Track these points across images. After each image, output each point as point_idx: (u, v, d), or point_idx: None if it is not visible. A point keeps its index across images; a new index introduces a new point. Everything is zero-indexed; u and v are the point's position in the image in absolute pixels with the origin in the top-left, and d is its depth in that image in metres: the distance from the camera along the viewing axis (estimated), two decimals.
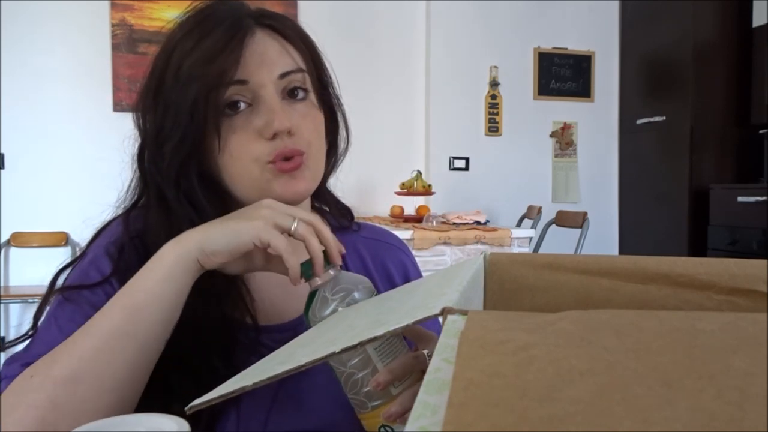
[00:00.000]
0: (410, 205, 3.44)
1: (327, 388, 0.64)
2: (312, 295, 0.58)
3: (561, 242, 3.27)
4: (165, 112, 0.63)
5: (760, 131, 3.34)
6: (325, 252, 0.58)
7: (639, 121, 3.91)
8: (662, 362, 0.23)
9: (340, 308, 0.55)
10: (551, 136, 4.02)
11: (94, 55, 3.31)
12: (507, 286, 0.49)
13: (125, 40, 3.33)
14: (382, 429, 0.53)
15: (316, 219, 0.58)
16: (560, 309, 0.29)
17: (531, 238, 2.88)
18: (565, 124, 4.03)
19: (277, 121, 0.62)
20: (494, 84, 3.87)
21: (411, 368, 0.53)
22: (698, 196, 3.50)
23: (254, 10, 0.67)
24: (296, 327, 0.69)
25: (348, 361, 0.54)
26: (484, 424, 0.19)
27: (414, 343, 0.58)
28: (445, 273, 0.51)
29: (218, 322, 0.62)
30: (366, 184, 3.67)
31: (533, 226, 3.27)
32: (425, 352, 0.54)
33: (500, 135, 3.90)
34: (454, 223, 2.90)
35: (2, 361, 0.63)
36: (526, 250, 2.82)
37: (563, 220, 3.15)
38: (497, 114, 3.89)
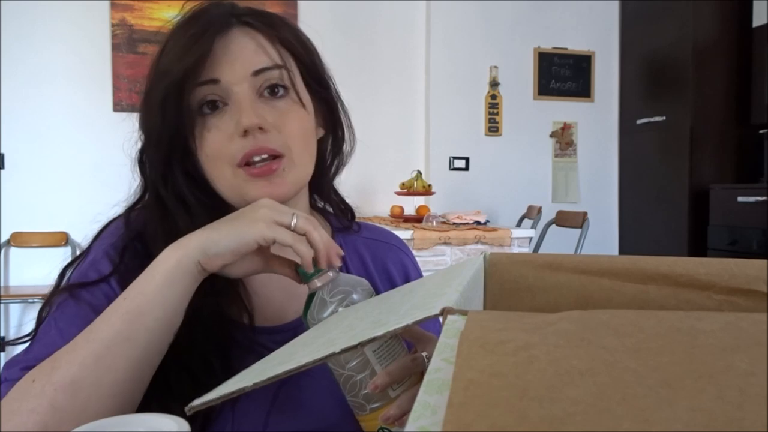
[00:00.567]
0: (410, 205, 3.44)
1: (328, 389, 0.64)
2: (310, 298, 0.58)
3: (561, 242, 3.27)
4: (148, 111, 0.64)
5: (760, 131, 3.34)
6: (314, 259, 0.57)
7: (639, 121, 3.91)
8: (662, 362, 0.23)
9: (338, 310, 0.55)
10: (551, 136, 4.02)
11: (94, 55, 3.31)
12: (507, 286, 0.49)
13: (125, 40, 3.33)
14: (381, 431, 0.53)
15: (313, 220, 0.58)
16: (560, 309, 0.29)
17: (531, 238, 2.88)
18: (565, 124, 4.03)
19: (245, 118, 0.61)
20: (494, 84, 3.87)
21: (409, 371, 0.53)
22: (698, 196, 3.50)
23: (240, 9, 0.66)
24: (296, 328, 0.69)
25: (346, 363, 0.54)
26: (484, 424, 0.19)
27: (413, 344, 0.58)
28: (445, 273, 0.51)
29: (216, 322, 0.62)
30: (366, 184, 3.67)
31: (533, 226, 3.27)
32: (424, 354, 0.54)
33: (500, 135, 3.90)
34: (454, 223, 2.90)
35: (2, 362, 0.63)
36: (526, 250, 2.82)
37: (563, 220, 3.15)
38: (497, 114, 3.89)
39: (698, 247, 3.49)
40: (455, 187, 3.79)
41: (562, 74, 4.00)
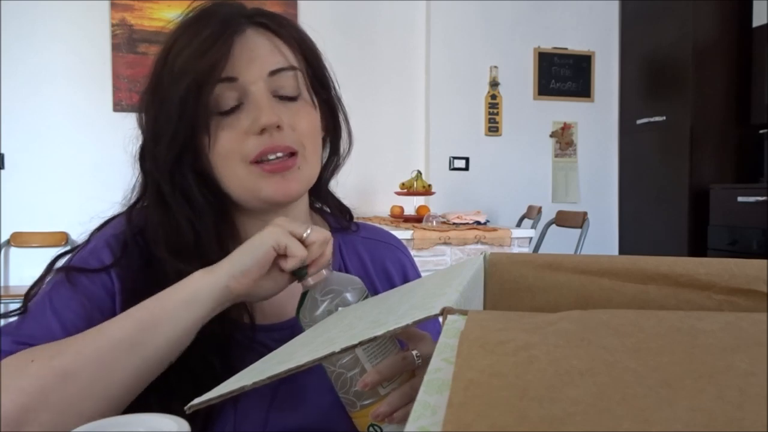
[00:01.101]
0: (410, 205, 3.44)
1: (328, 385, 0.65)
2: (304, 296, 0.58)
3: (561, 242, 3.27)
4: (160, 109, 0.64)
5: (760, 131, 3.35)
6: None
7: (639, 121, 3.91)
8: (662, 362, 0.23)
9: (330, 309, 0.56)
10: (551, 136, 4.02)
11: (94, 55, 3.31)
12: (507, 286, 0.49)
13: (125, 40, 3.33)
14: (371, 428, 0.53)
15: (326, 234, 0.59)
16: (560, 309, 0.29)
17: (531, 238, 2.88)
18: (565, 124, 4.03)
19: (264, 116, 0.62)
20: (494, 84, 3.87)
21: (400, 369, 0.53)
22: (698, 196, 3.50)
23: (250, 10, 0.67)
24: (294, 326, 0.70)
25: (337, 360, 0.54)
26: (484, 424, 0.19)
27: (405, 342, 0.58)
28: (445, 273, 0.51)
29: (216, 321, 0.62)
30: (366, 184, 3.67)
31: (533, 226, 3.27)
32: (414, 352, 0.54)
33: (500, 135, 3.90)
34: (454, 223, 2.90)
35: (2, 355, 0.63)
36: (526, 250, 2.82)
37: (563, 220, 3.15)
38: (497, 114, 3.89)
39: (698, 247, 3.49)
40: (455, 187, 3.79)
41: (562, 74, 4.00)
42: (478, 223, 2.91)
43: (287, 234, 0.57)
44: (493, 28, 3.86)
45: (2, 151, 3.20)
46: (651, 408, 0.19)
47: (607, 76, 4.09)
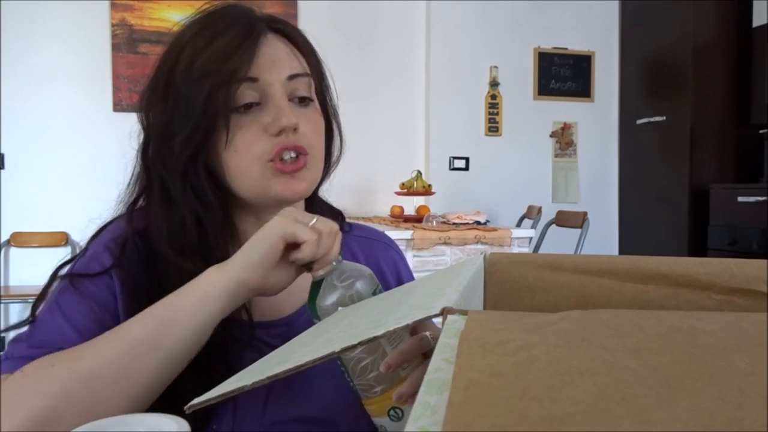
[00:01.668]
0: (410, 205, 3.44)
1: (326, 376, 0.65)
2: (316, 285, 0.58)
3: (561, 242, 3.27)
4: (175, 106, 0.64)
5: (760, 131, 3.35)
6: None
7: (639, 121, 3.91)
8: (662, 362, 0.23)
9: (350, 295, 0.57)
10: (551, 136, 4.02)
11: (94, 55, 3.31)
12: (507, 286, 0.49)
13: (125, 40, 3.33)
14: (392, 411, 0.54)
15: (332, 223, 0.59)
16: (560, 309, 0.29)
17: (531, 238, 2.88)
18: (565, 124, 4.03)
19: (285, 118, 0.64)
20: (494, 84, 3.87)
21: (418, 350, 0.54)
22: (698, 196, 3.50)
23: (266, 16, 0.69)
24: (292, 322, 0.71)
25: (357, 349, 0.54)
26: (484, 424, 0.19)
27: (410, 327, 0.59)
28: (445, 273, 0.51)
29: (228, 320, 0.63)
30: (366, 184, 3.67)
31: (533, 226, 3.27)
32: (427, 334, 0.55)
33: (500, 135, 3.90)
34: (454, 223, 2.90)
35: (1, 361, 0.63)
36: (526, 250, 2.82)
37: (563, 220, 3.15)
38: (497, 114, 3.89)
39: (698, 247, 3.49)
40: (455, 187, 3.79)
41: (562, 74, 4.00)
42: (478, 223, 2.91)
43: (294, 222, 0.57)
44: (493, 28, 3.86)
45: (2, 151, 3.20)
46: (651, 408, 0.19)
47: (607, 76, 4.09)
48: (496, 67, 3.87)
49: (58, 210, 3.22)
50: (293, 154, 0.66)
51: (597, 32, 4.06)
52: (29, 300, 3.00)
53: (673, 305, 0.44)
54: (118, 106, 3.31)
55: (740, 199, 3.21)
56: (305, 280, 0.61)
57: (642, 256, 0.47)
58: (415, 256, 2.56)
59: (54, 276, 0.65)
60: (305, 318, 0.72)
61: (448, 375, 0.23)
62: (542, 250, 3.34)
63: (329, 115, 0.76)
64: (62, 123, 3.27)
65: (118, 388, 0.53)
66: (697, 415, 0.19)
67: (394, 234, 2.55)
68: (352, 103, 3.71)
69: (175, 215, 0.65)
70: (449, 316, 0.31)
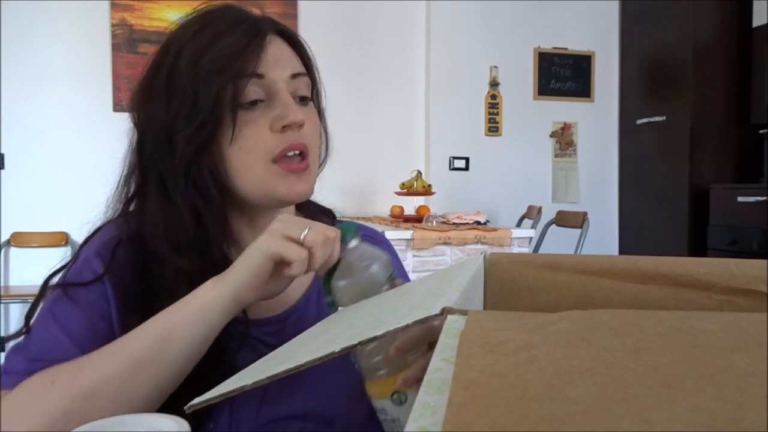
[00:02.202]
0: (410, 205, 3.44)
1: (318, 372, 0.65)
2: (332, 269, 0.59)
3: (561, 242, 3.27)
4: (181, 102, 0.64)
5: (760, 131, 3.34)
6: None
7: (639, 121, 3.91)
8: (662, 362, 0.23)
9: (362, 276, 0.57)
10: (551, 136, 4.01)
11: (94, 55, 3.31)
12: (507, 286, 0.49)
13: (125, 40, 3.33)
14: (395, 395, 0.54)
15: (328, 230, 0.58)
16: (560, 309, 0.29)
17: (531, 238, 2.88)
18: (565, 124, 4.03)
19: (293, 114, 0.64)
20: (494, 84, 3.87)
21: (426, 338, 0.54)
22: (698, 196, 3.50)
23: (266, 17, 0.70)
24: (286, 319, 0.71)
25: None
26: (484, 424, 0.19)
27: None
28: (445, 273, 0.51)
29: None
30: (366, 184, 3.67)
31: (533, 226, 3.26)
32: (436, 323, 0.55)
33: (500, 135, 3.90)
34: (454, 223, 2.90)
35: (1, 361, 0.63)
36: (526, 250, 2.82)
37: (563, 220, 3.15)
38: (497, 114, 3.89)
39: (698, 247, 3.49)
40: (455, 187, 3.79)
41: (562, 74, 4.00)
42: (478, 223, 2.91)
43: (281, 240, 0.56)
44: (493, 28, 3.86)
45: (2, 151, 3.20)
46: (651, 408, 0.19)
47: (607, 76, 4.09)
48: (496, 67, 3.87)
49: (58, 210, 3.21)
50: (297, 152, 0.66)
51: (597, 32, 4.06)
52: (29, 300, 2.99)
53: (673, 305, 0.44)
54: (118, 106, 3.31)
55: (740, 199, 3.21)
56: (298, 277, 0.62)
57: (642, 256, 0.47)
58: (415, 256, 2.55)
59: (45, 285, 0.65)
60: (299, 314, 0.72)
61: (448, 375, 0.23)
62: (542, 250, 3.34)
63: (321, 118, 0.77)
64: (62, 123, 3.27)
65: (118, 404, 0.54)
66: (697, 415, 0.19)
67: (394, 234, 2.55)
68: (352, 103, 3.71)
69: (173, 213, 0.65)
70: (449, 316, 0.31)
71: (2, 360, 0.62)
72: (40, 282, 0.67)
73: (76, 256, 0.67)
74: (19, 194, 3.21)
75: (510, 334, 0.26)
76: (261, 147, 0.65)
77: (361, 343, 0.36)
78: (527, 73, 3.95)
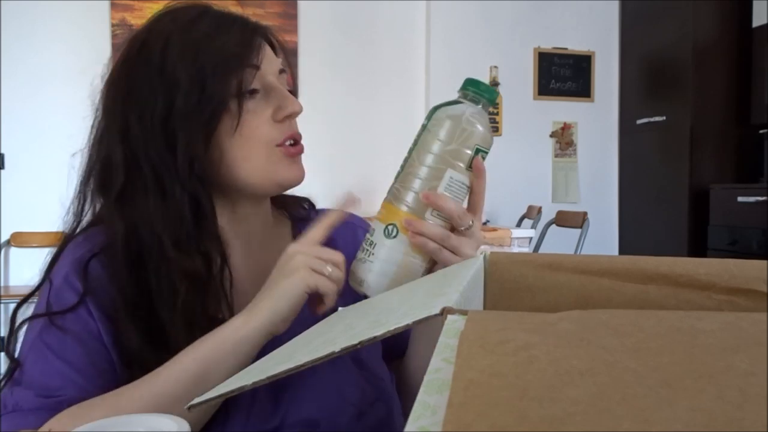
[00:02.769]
0: None
1: (314, 378, 0.65)
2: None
3: (561, 242, 3.27)
4: (186, 94, 0.63)
5: (760, 131, 3.34)
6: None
7: (639, 121, 3.91)
8: (662, 362, 0.23)
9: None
10: (551, 136, 4.01)
11: (94, 55, 3.31)
12: (507, 286, 0.49)
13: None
14: (390, 226, 0.57)
15: (342, 260, 0.61)
16: (560, 309, 0.29)
17: (531, 238, 2.88)
18: (565, 124, 4.03)
19: (293, 105, 0.67)
20: (494, 84, 3.87)
21: (457, 215, 0.58)
22: (698, 196, 3.50)
23: (251, 19, 0.72)
24: None
25: (422, 163, 0.57)
26: (484, 424, 0.19)
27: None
28: (445, 273, 0.51)
29: (204, 322, 0.62)
30: (366, 184, 3.67)
31: (533, 226, 3.26)
32: (471, 222, 0.59)
33: (500, 135, 3.90)
34: None
35: (1, 362, 0.63)
36: (526, 250, 2.82)
37: (563, 220, 3.15)
38: (497, 114, 3.89)
39: (698, 247, 3.49)
40: None
41: (562, 74, 4.00)
42: None
43: (312, 273, 0.58)
44: (493, 28, 3.86)
45: (2, 151, 3.20)
46: (651, 408, 0.19)
47: (607, 76, 4.09)
48: (496, 67, 3.87)
49: (58, 210, 3.21)
50: (292, 142, 0.69)
51: (597, 32, 4.06)
52: (29, 300, 2.99)
53: (673, 305, 0.44)
54: None
55: (740, 199, 3.21)
56: (269, 268, 0.62)
57: (642, 256, 0.47)
58: None
59: (14, 318, 0.63)
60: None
61: (448, 375, 0.23)
62: (542, 250, 3.34)
63: None
64: (62, 123, 3.27)
65: None
66: (697, 415, 0.19)
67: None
68: (352, 103, 3.71)
69: (172, 207, 0.63)
70: (449, 316, 0.31)
71: (1, 362, 0.62)
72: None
73: (47, 281, 0.65)
74: (19, 194, 3.20)
75: (510, 334, 0.26)
76: (264, 136, 0.66)
77: (361, 343, 0.36)
78: (527, 73, 3.95)
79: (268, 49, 0.70)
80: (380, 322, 0.39)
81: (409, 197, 0.57)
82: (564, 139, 4.02)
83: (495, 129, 3.89)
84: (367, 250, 0.60)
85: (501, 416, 0.19)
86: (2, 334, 3.22)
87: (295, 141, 0.69)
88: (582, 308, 0.29)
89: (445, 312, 0.32)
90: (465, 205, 0.61)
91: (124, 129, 0.65)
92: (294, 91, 0.74)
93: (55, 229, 0.75)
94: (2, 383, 0.61)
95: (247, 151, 0.66)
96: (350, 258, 0.77)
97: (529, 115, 3.95)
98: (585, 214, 2.97)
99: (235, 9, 0.72)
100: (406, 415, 0.39)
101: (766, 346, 0.24)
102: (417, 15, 3.81)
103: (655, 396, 0.20)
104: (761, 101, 3.35)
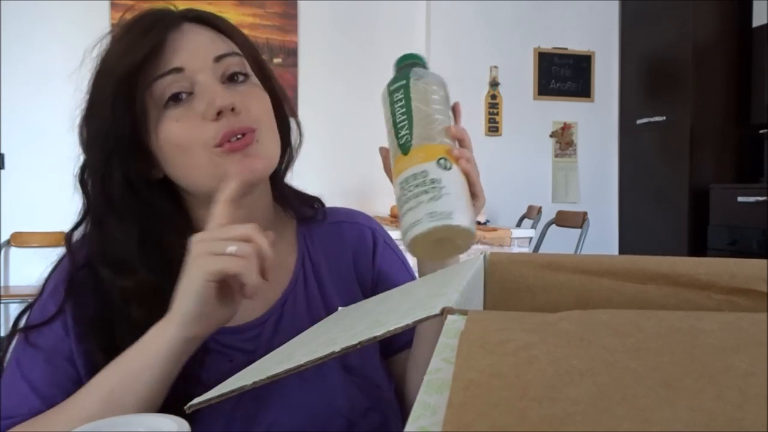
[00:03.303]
0: None
1: (302, 383, 0.63)
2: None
3: (561, 242, 3.27)
4: (91, 114, 0.63)
5: (760, 131, 3.34)
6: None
7: (639, 121, 3.91)
8: (662, 362, 0.23)
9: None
10: (551, 136, 4.01)
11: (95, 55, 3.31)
12: (507, 286, 0.49)
13: None
14: (442, 160, 0.56)
15: (253, 231, 0.54)
16: (560, 309, 0.29)
17: (531, 238, 2.88)
18: (565, 124, 4.03)
19: (219, 99, 0.60)
20: (494, 84, 3.87)
21: (470, 146, 0.60)
22: (698, 196, 3.50)
23: (185, 9, 0.67)
24: (263, 323, 0.68)
25: (435, 106, 0.59)
26: (484, 424, 0.19)
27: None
28: (445, 273, 0.51)
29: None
30: (366, 184, 3.67)
31: (533, 226, 3.26)
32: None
33: (500, 135, 3.90)
34: None
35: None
36: (526, 250, 2.82)
37: (563, 220, 3.15)
38: (497, 114, 3.89)
39: (698, 247, 3.49)
40: None
41: (562, 74, 4.00)
42: (478, 223, 2.91)
43: (214, 257, 0.52)
44: (493, 28, 3.86)
45: (2, 151, 3.20)
46: (651, 408, 0.19)
47: (607, 76, 4.09)
48: (496, 67, 3.87)
49: (58, 210, 3.21)
50: (239, 136, 0.62)
51: (597, 32, 4.06)
52: (29, 300, 2.99)
53: (673, 305, 0.44)
54: None
55: (740, 199, 3.21)
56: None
57: (642, 256, 0.47)
58: None
59: (15, 326, 0.63)
60: (275, 317, 0.68)
61: (448, 375, 0.23)
62: (542, 250, 3.34)
63: (278, 99, 0.72)
64: (62, 123, 3.27)
65: None
66: (697, 415, 0.19)
67: (394, 234, 2.54)
68: (352, 103, 3.71)
69: (108, 232, 0.62)
70: (449, 316, 0.31)
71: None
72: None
73: (40, 293, 0.65)
74: (19, 194, 3.21)
75: (510, 334, 0.26)
76: (200, 138, 0.61)
77: (360, 343, 0.36)
78: (527, 73, 3.95)
79: (197, 39, 0.64)
80: (380, 322, 0.39)
81: (442, 134, 0.58)
82: (564, 139, 4.02)
83: (495, 129, 3.89)
84: (433, 187, 0.54)
85: (501, 416, 0.19)
86: (2, 334, 3.22)
87: (243, 134, 0.62)
88: (582, 308, 0.29)
89: (445, 312, 0.32)
90: None
91: (82, 164, 0.65)
92: (262, 73, 0.69)
93: (55, 229, 0.74)
94: None
95: (187, 158, 0.62)
96: (356, 256, 0.76)
97: (529, 115, 3.95)
98: (585, 214, 2.97)
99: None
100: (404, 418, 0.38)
101: (766, 346, 0.24)
102: (417, 15, 3.81)
103: (655, 396, 0.20)
104: (761, 101, 3.35)
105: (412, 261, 0.74)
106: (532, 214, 3.46)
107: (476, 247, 2.68)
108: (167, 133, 0.62)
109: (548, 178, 4.02)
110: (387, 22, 3.77)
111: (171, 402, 0.54)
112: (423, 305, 0.37)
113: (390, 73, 0.65)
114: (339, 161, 3.56)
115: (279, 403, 0.62)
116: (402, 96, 0.61)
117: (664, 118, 3.71)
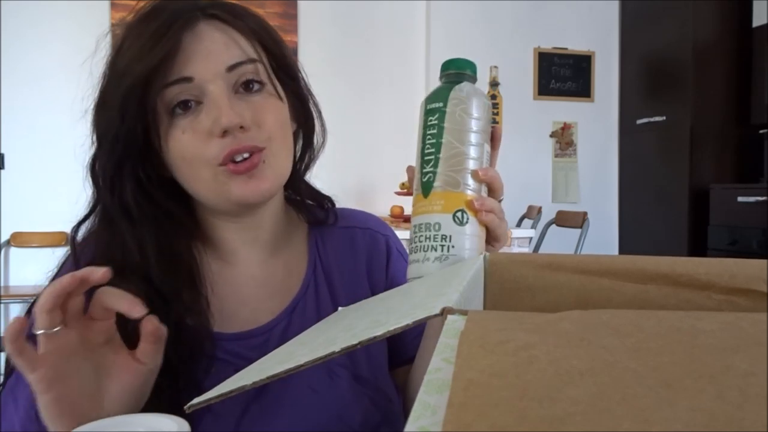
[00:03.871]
0: (410, 205, 3.43)
1: (309, 389, 0.62)
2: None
3: (561, 242, 3.27)
4: (102, 114, 0.61)
5: (760, 131, 3.34)
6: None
7: (639, 121, 3.91)
8: (662, 362, 0.23)
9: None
10: (551, 136, 4.01)
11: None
12: (507, 286, 0.49)
13: None
14: (459, 213, 0.54)
15: (60, 282, 0.49)
16: (560, 309, 0.29)
17: (531, 238, 2.87)
18: (565, 124, 4.03)
19: (225, 117, 0.57)
20: (494, 84, 3.87)
21: (500, 190, 0.55)
22: (698, 196, 3.50)
23: (203, 2, 0.63)
24: (271, 329, 0.66)
25: (467, 142, 0.55)
26: (484, 424, 0.19)
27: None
28: (445, 273, 0.51)
29: (189, 337, 0.60)
30: (366, 184, 3.67)
31: (533, 226, 3.26)
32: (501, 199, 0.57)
33: None
34: None
35: (1, 363, 0.62)
36: (526, 250, 2.82)
37: (563, 220, 3.15)
38: (497, 114, 3.89)
39: (698, 247, 3.49)
40: None
41: (562, 74, 4.00)
42: None
43: (15, 343, 0.47)
44: (493, 28, 3.86)
45: (2, 151, 3.20)
46: (651, 408, 0.19)
47: (607, 76, 4.09)
48: (496, 67, 3.87)
49: (58, 210, 3.21)
50: (246, 155, 0.60)
51: (597, 32, 4.06)
52: (29, 300, 2.99)
53: (673, 305, 0.44)
54: None
55: (740, 199, 3.21)
56: (278, 275, 0.61)
57: (642, 256, 0.47)
58: None
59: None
60: (283, 325, 0.67)
61: (448, 375, 0.23)
62: (542, 250, 3.34)
63: (303, 98, 0.70)
64: (62, 123, 3.27)
65: None
66: (697, 415, 0.19)
67: (399, 234, 2.53)
68: (353, 103, 3.71)
69: (116, 235, 0.61)
70: (449, 316, 0.31)
71: (1, 363, 0.62)
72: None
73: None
74: (19, 194, 3.21)
75: (510, 334, 0.26)
76: (204, 155, 0.59)
77: (360, 343, 0.36)
78: (527, 73, 3.95)
79: (210, 43, 0.60)
80: (380, 322, 0.39)
81: (467, 179, 0.54)
82: (564, 139, 4.02)
83: None
84: (443, 246, 0.53)
85: (501, 416, 0.19)
86: (2, 334, 3.21)
87: (251, 154, 0.60)
88: (582, 308, 0.29)
89: (445, 312, 0.32)
90: None
91: (93, 155, 0.63)
92: (287, 75, 0.66)
93: (55, 229, 0.73)
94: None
95: (194, 172, 0.60)
96: (370, 263, 0.75)
97: (529, 115, 3.95)
98: (585, 214, 2.97)
99: None
100: None
101: (766, 346, 0.24)
102: (417, 15, 3.81)
103: (655, 396, 0.20)
104: (761, 101, 3.35)
105: None
106: (532, 214, 3.46)
107: None
108: (174, 143, 0.60)
109: (548, 178, 4.02)
110: (387, 22, 3.77)
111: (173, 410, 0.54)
112: (423, 305, 0.37)
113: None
114: (339, 161, 3.56)
115: (289, 414, 0.61)
116: (436, 122, 0.57)
117: (664, 118, 3.71)
